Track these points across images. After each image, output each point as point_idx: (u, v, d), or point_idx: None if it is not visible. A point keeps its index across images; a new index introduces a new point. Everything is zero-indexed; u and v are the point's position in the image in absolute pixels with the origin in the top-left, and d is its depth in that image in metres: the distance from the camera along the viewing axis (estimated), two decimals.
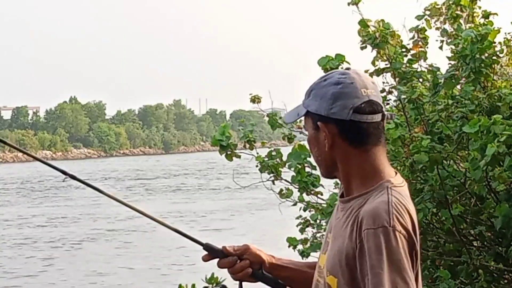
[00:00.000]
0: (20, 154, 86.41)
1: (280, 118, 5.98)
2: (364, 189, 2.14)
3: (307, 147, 2.32)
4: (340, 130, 2.14)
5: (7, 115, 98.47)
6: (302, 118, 2.25)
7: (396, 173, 2.20)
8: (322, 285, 2.18)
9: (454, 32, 5.41)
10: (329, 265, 2.15)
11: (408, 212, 2.09)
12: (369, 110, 2.13)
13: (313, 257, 5.69)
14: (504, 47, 5.24)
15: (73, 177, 2.52)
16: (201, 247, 2.44)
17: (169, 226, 2.45)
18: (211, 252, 2.41)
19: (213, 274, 4.44)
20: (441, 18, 5.56)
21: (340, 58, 5.20)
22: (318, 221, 5.76)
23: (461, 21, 5.46)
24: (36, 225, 31.99)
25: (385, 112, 2.17)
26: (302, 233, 6.08)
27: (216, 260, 2.41)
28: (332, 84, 2.15)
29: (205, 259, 2.42)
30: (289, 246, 5.92)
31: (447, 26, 5.54)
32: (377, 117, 2.14)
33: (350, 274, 2.07)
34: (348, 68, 2.27)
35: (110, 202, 2.56)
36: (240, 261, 2.38)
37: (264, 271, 2.39)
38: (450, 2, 5.46)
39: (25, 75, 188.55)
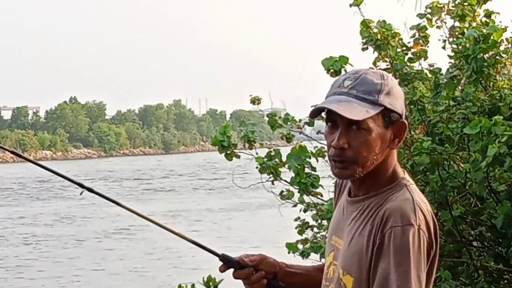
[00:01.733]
0: None
1: (280, 118, 5.94)
2: (381, 187, 2.15)
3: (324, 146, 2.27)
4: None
5: (7, 115, 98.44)
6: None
7: (404, 172, 2.22)
8: (333, 286, 2.19)
9: (457, 32, 5.37)
10: (346, 264, 2.15)
11: (430, 211, 2.11)
12: None
13: (314, 258, 5.68)
14: (509, 45, 5.20)
15: (90, 190, 2.50)
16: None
17: (187, 238, 2.45)
18: (227, 263, 2.40)
19: (210, 275, 4.41)
20: (442, 16, 5.53)
21: (344, 60, 5.15)
22: (319, 220, 5.72)
23: (467, 20, 5.43)
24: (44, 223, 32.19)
25: None
26: (301, 235, 6.04)
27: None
28: (397, 84, 2.19)
29: (222, 270, 2.41)
30: (288, 252, 5.87)
31: (452, 23, 5.50)
32: None
33: (368, 273, 2.08)
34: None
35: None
36: (255, 272, 2.38)
37: (278, 280, 2.39)
38: (458, 1, 5.42)
39: (25, 75, 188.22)
